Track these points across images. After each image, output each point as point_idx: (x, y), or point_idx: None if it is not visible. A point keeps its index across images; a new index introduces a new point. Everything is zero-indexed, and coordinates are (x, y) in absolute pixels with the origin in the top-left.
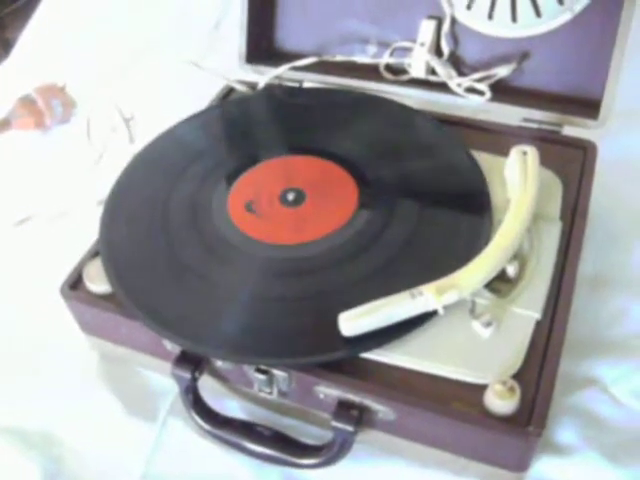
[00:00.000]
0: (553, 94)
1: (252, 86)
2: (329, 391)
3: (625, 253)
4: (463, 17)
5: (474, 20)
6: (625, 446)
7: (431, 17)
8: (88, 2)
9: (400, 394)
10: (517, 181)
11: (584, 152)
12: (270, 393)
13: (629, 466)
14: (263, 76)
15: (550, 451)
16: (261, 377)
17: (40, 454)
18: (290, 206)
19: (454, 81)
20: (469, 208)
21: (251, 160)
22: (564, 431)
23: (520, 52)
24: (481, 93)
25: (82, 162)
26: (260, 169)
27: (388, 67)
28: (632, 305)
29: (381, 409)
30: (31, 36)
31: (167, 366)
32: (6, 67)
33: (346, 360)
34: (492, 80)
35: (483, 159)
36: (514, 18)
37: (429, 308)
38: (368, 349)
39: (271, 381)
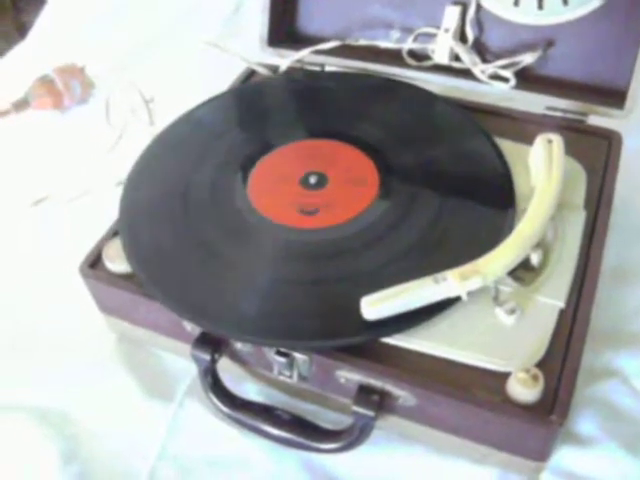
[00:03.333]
0: (578, 83)
1: (273, 69)
2: (350, 375)
3: None
4: (488, 3)
5: (500, 6)
6: None
7: (456, 3)
8: None
9: (421, 380)
10: (541, 169)
11: (609, 142)
12: (290, 377)
13: None
14: (285, 59)
15: (570, 441)
16: (281, 360)
17: (57, 433)
18: (312, 189)
19: (478, 68)
20: (493, 196)
21: (272, 143)
22: (584, 422)
23: (545, 40)
24: (505, 80)
25: (101, 143)
26: (281, 152)
27: (411, 52)
28: None
29: (402, 394)
30: (48, 18)
31: (186, 348)
32: (23, 49)
33: (368, 344)
34: (517, 67)
35: (506, 147)
36: (540, 5)
37: (452, 294)
38: (390, 334)
39: (291, 364)
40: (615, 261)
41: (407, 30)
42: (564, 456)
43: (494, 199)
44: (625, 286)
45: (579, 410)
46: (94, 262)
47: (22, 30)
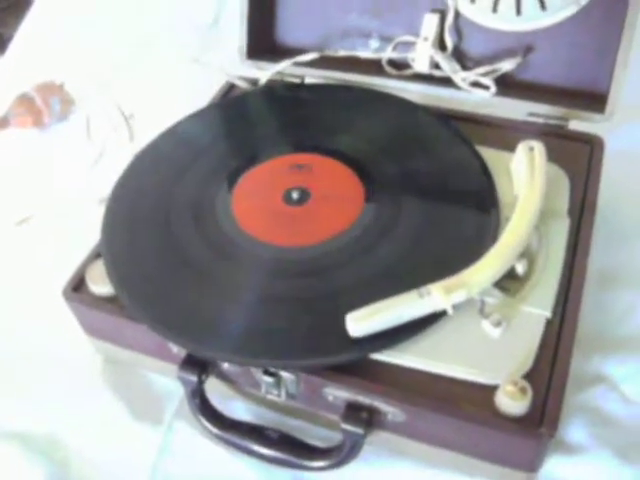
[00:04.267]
0: (559, 88)
1: (253, 82)
2: (338, 393)
3: (633, 248)
4: (467, 11)
5: (478, 14)
6: (636, 444)
7: (434, 11)
8: None
9: (410, 395)
10: (524, 177)
11: (591, 147)
12: (278, 395)
13: None
14: (264, 72)
15: (560, 450)
16: (269, 379)
17: (45, 458)
18: (294, 205)
19: (458, 75)
20: (476, 205)
21: (254, 158)
22: (574, 430)
23: (525, 46)
24: (486, 87)
25: (82, 160)
26: (263, 167)
27: (391, 62)
28: None
29: (391, 410)
30: (27, 33)
31: (173, 368)
32: (2, 64)
33: (355, 361)
34: (497, 74)
35: (489, 154)
36: (519, 11)
37: (438, 308)
38: (377, 350)
39: (279, 383)
40: (600, 265)
41: (386, 39)
42: (555, 465)
43: (477, 209)
44: (611, 290)
45: (568, 418)
46: (77, 285)
47: (1, 43)
